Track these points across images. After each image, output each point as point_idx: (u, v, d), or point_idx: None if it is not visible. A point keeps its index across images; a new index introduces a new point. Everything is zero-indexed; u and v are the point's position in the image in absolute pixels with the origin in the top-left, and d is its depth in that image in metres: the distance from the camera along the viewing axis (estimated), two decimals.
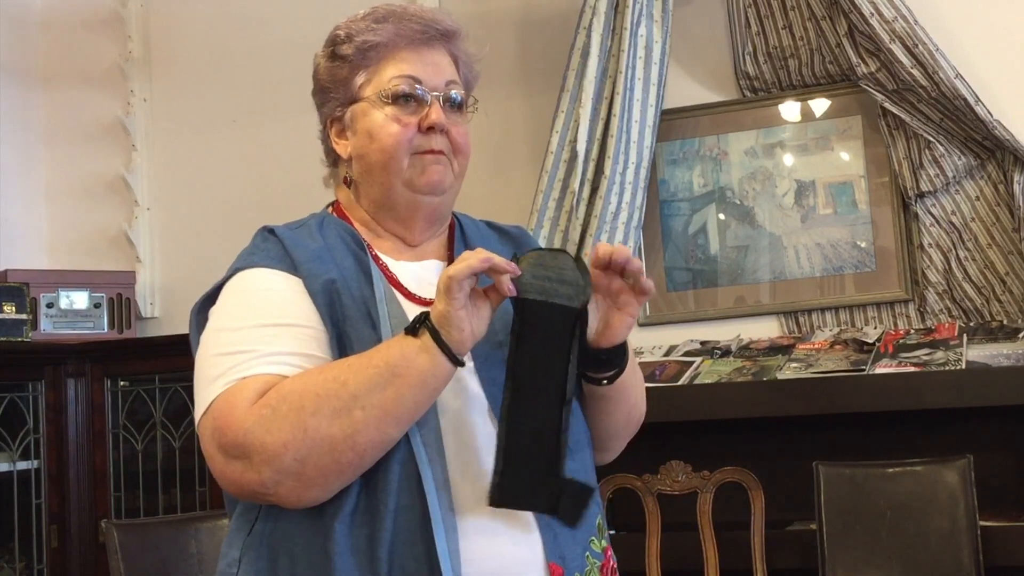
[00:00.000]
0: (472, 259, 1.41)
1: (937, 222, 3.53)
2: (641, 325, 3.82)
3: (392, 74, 1.62)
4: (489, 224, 1.76)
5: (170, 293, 4.43)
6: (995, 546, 2.86)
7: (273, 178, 4.26)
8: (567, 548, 1.50)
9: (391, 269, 1.62)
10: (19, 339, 3.93)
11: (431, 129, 1.60)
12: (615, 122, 3.60)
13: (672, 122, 3.81)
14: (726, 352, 3.50)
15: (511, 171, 4.01)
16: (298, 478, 1.41)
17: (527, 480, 1.45)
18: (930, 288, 3.52)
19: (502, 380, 1.47)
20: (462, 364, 1.44)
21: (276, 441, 1.40)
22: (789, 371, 3.23)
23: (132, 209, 4.47)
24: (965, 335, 3.28)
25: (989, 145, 3.45)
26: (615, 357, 1.55)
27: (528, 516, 1.49)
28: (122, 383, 3.99)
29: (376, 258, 1.61)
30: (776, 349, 3.46)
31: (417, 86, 1.61)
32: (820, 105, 3.72)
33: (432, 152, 1.60)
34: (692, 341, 3.64)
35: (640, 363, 3.44)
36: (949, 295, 3.51)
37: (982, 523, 2.86)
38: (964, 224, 3.50)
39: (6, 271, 4.08)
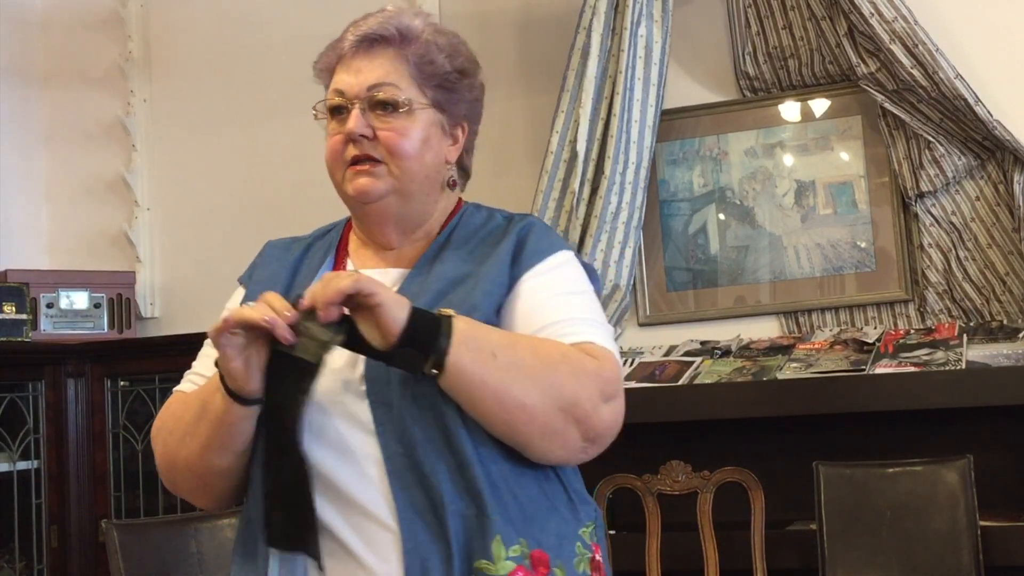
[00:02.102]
0: (229, 317, 1.46)
1: (937, 222, 3.53)
2: (641, 325, 3.82)
3: (330, 89, 1.67)
4: (501, 217, 1.72)
5: (170, 293, 4.43)
6: (995, 546, 2.86)
7: (273, 178, 4.26)
8: None
9: None
10: (19, 339, 3.93)
11: (356, 138, 1.62)
12: (615, 122, 3.60)
13: (672, 122, 3.81)
14: (726, 352, 3.50)
15: (511, 171, 4.01)
16: (177, 490, 1.66)
17: (285, 523, 1.50)
18: (930, 288, 3.52)
19: (391, 402, 1.51)
20: (252, 403, 1.50)
21: (157, 455, 1.65)
22: (789, 371, 3.23)
23: (132, 209, 4.47)
24: (965, 335, 3.28)
25: (989, 145, 3.45)
26: (411, 350, 1.46)
27: (390, 543, 1.50)
28: (122, 383, 3.99)
29: (340, 268, 1.68)
30: (776, 349, 3.46)
31: (340, 98, 1.64)
32: (820, 105, 3.72)
33: (357, 161, 1.63)
34: (692, 341, 3.64)
35: (640, 363, 3.48)
36: (949, 295, 3.51)
37: (982, 523, 2.86)
38: (964, 224, 3.50)
39: (6, 271, 4.08)
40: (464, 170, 1.76)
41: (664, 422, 3.31)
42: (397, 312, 1.43)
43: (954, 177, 3.48)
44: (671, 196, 3.84)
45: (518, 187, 3.91)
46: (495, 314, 1.59)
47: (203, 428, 1.55)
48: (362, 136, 1.62)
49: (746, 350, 3.50)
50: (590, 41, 3.61)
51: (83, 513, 3.91)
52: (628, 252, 3.70)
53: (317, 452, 1.53)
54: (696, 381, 3.31)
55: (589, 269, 1.72)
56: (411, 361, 1.47)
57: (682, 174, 3.84)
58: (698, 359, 3.46)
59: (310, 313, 1.45)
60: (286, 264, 1.71)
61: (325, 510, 1.52)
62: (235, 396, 1.51)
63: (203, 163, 4.43)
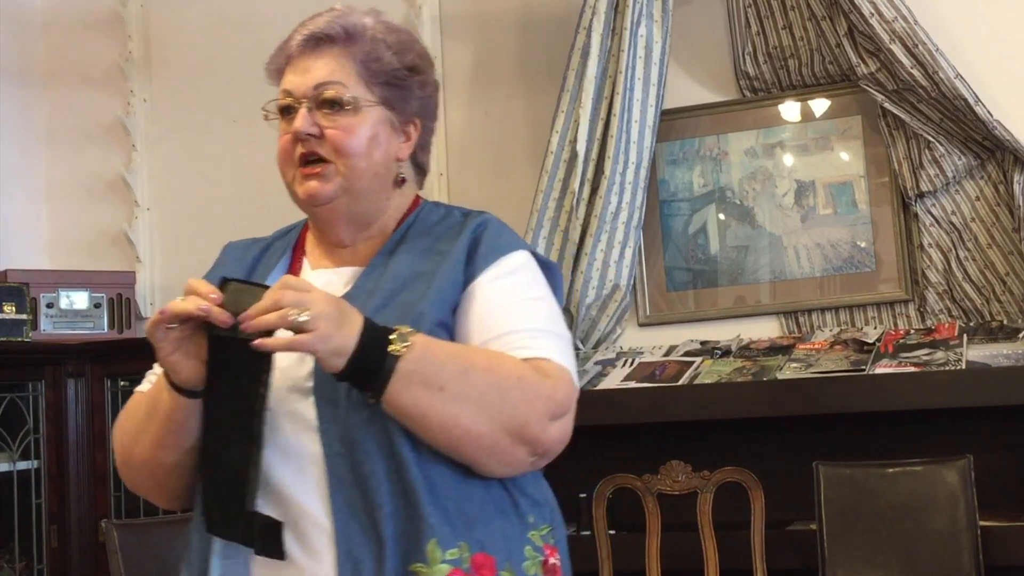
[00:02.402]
0: (164, 310, 1.48)
1: (937, 222, 3.53)
2: (641, 325, 3.82)
3: (280, 89, 1.68)
4: (459, 214, 1.72)
5: (170, 293, 4.43)
6: (995, 546, 2.86)
7: (273, 178, 4.24)
8: None
9: (303, 278, 1.65)
10: (19, 339, 3.93)
11: (303, 137, 1.63)
12: (615, 122, 3.60)
13: (672, 122, 3.81)
14: (726, 352, 3.50)
15: (511, 171, 4.01)
16: (136, 488, 1.67)
17: (225, 513, 1.50)
18: (930, 288, 3.52)
19: (337, 401, 1.51)
20: (199, 396, 1.51)
21: (115, 455, 1.66)
22: (789, 371, 3.23)
23: (132, 209, 4.47)
24: (965, 335, 3.28)
25: (989, 145, 3.44)
26: (353, 381, 1.47)
27: (325, 542, 1.50)
28: (122, 383, 3.99)
29: (295, 267, 1.69)
30: (776, 349, 3.45)
31: (289, 97, 1.65)
32: (820, 105, 3.72)
33: (305, 162, 1.64)
34: (692, 341, 3.64)
35: (640, 363, 3.47)
36: (949, 295, 3.51)
37: (982, 523, 2.86)
38: (964, 224, 3.50)
39: (6, 271, 4.08)
40: (420, 167, 1.75)
41: (664, 422, 3.31)
42: (333, 362, 1.43)
43: (954, 177, 3.48)
44: (671, 196, 3.84)
45: (518, 187, 3.92)
46: (450, 314, 1.59)
47: (153, 425, 1.57)
48: (309, 135, 1.62)
49: (746, 350, 3.50)
50: (590, 41, 3.61)
51: (83, 513, 3.91)
52: (628, 252, 3.70)
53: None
54: (696, 381, 3.31)
55: (548, 267, 1.70)
56: (359, 383, 1.48)
57: (682, 174, 3.84)
58: (698, 359, 3.46)
59: (237, 292, 1.45)
60: (243, 264, 1.72)
61: (262, 507, 1.52)
62: (180, 390, 1.51)
63: (203, 163, 4.43)
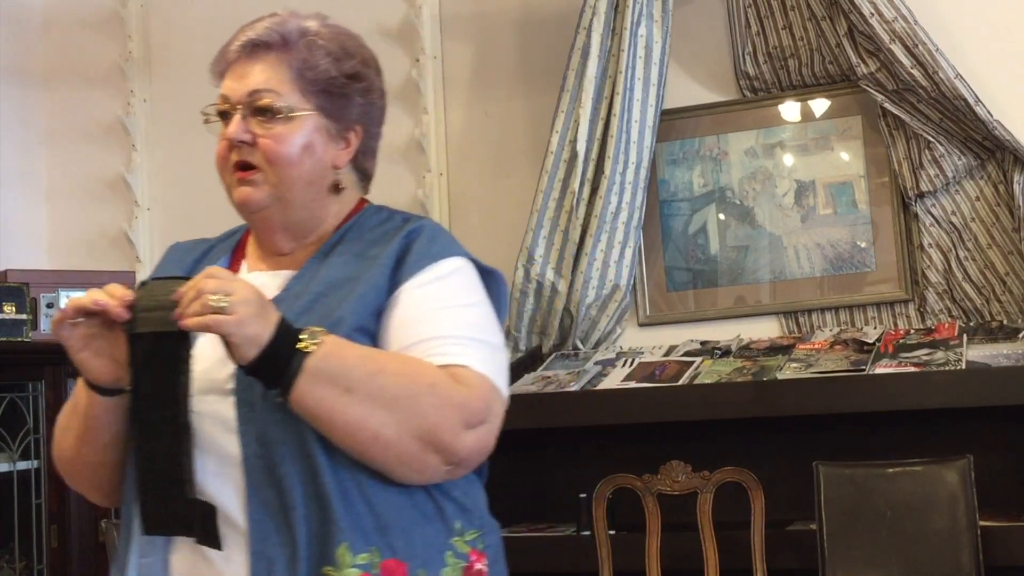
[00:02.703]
0: (65, 307, 1.51)
1: (937, 222, 3.53)
2: (641, 325, 3.82)
3: (219, 93, 1.68)
4: (400, 219, 1.71)
5: None
6: (995, 546, 2.86)
7: None
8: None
9: None
10: (19, 339, 3.93)
11: (235, 144, 1.63)
12: (615, 122, 3.60)
13: (672, 122, 3.81)
14: (726, 352, 3.50)
15: (511, 171, 4.01)
16: (72, 484, 1.69)
17: (163, 506, 1.51)
18: (930, 288, 3.52)
19: (255, 402, 1.52)
20: (114, 393, 1.53)
21: (53, 453, 1.67)
22: (789, 371, 3.23)
23: (132, 209, 4.47)
24: (965, 335, 3.28)
25: (989, 145, 3.44)
26: (261, 375, 1.48)
27: (240, 543, 1.51)
28: None
29: (233, 269, 1.70)
30: (776, 349, 3.45)
31: (226, 104, 1.65)
32: (820, 105, 3.72)
33: (238, 169, 1.65)
34: (692, 341, 3.64)
35: (640, 363, 3.47)
36: (949, 295, 3.51)
37: (982, 523, 2.86)
38: (964, 224, 3.50)
39: (6, 271, 4.08)
40: (363, 172, 1.75)
41: (664, 422, 3.31)
42: (247, 350, 1.44)
43: (954, 177, 3.48)
44: (671, 196, 3.84)
45: (518, 187, 3.92)
46: (374, 319, 1.58)
47: (75, 422, 1.60)
48: (242, 142, 1.63)
49: (746, 350, 3.50)
50: (590, 41, 3.61)
51: (83, 513, 3.90)
52: (628, 252, 3.70)
53: None
54: (696, 381, 3.31)
55: (490, 275, 1.69)
56: (267, 379, 1.49)
57: (682, 174, 3.84)
58: (698, 359, 3.46)
59: (152, 288, 1.48)
60: (184, 265, 1.73)
61: None
62: (94, 387, 1.54)
63: (203, 163, 4.41)
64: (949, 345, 3.21)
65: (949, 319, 3.48)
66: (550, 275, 3.69)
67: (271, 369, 1.46)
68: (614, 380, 3.39)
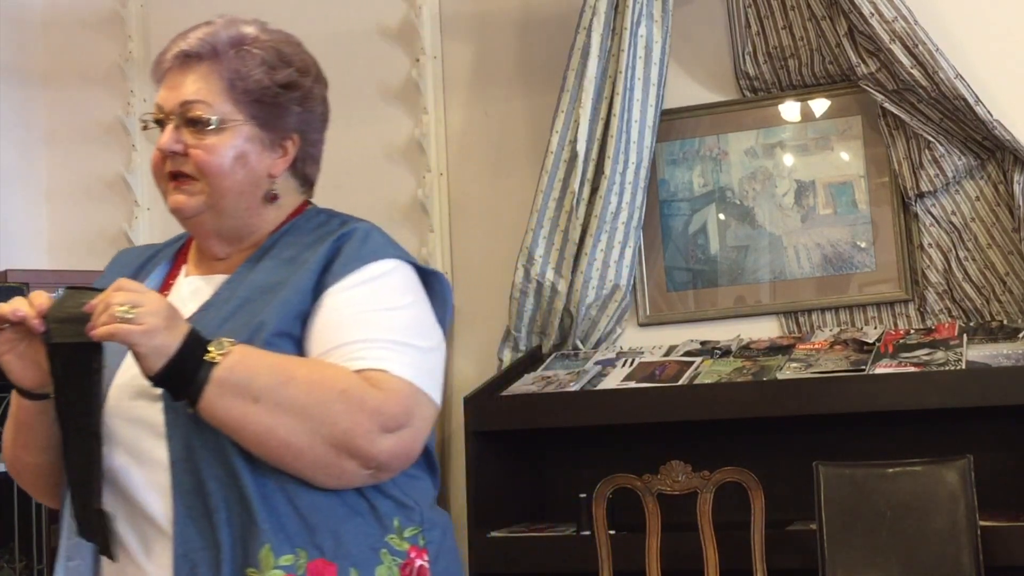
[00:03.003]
0: None
1: (937, 222, 3.53)
2: (641, 325, 3.82)
3: (155, 102, 1.70)
4: (338, 222, 1.72)
5: None
6: (995, 546, 2.86)
7: None
8: None
9: (175, 284, 1.72)
10: None
11: (168, 155, 1.65)
12: (615, 122, 3.60)
13: (672, 122, 3.81)
14: (726, 352, 3.50)
15: (511, 171, 4.01)
16: (21, 485, 1.72)
17: (85, 515, 1.54)
18: (930, 288, 3.52)
19: (180, 408, 1.54)
20: (40, 397, 1.56)
21: None
22: (789, 371, 3.23)
23: (132, 209, 4.47)
24: (965, 335, 3.28)
25: (989, 145, 3.44)
26: (168, 385, 1.50)
27: (166, 547, 1.53)
28: None
29: (173, 274, 1.73)
30: (776, 349, 3.45)
31: (160, 113, 1.67)
32: (820, 105, 3.72)
33: (172, 178, 1.66)
34: (692, 341, 3.64)
35: (640, 363, 3.47)
36: (949, 295, 3.51)
37: (982, 523, 2.86)
38: (964, 224, 3.50)
39: (6, 271, 4.08)
40: (304, 178, 1.75)
41: (664, 422, 3.31)
42: (153, 361, 1.46)
43: (954, 177, 3.48)
44: (671, 196, 3.84)
45: (518, 187, 3.92)
46: (298, 324, 1.59)
47: (10, 425, 1.64)
48: (174, 152, 1.64)
49: (746, 350, 3.50)
50: (590, 41, 3.61)
51: None
52: (628, 252, 3.70)
53: (112, 454, 1.57)
54: (696, 381, 3.31)
55: (433, 276, 1.70)
56: (175, 390, 1.51)
57: (682, 174, 3.84)
58: (698, 359, 3.45)
59: (64, 299, 1.49)
60: (128, 270, 1.76)
61: (117, 512, 1.57)
62: (20, 391, 1.57)
63: None
64: (949, 345, 3.21)
65: (949, 319, 3.48)
66: (550, 275, 3.69)
67: (178, 380, 1.48)
68: (614, 380, 3.39)
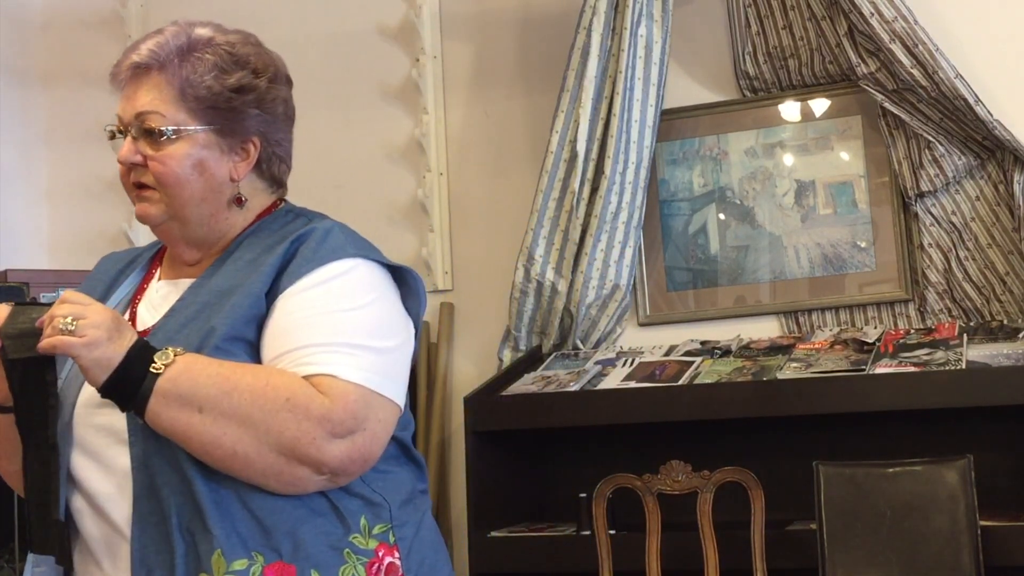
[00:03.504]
0: None
1: (937, 222, 3.53)
2: (641, 325, 3.82)
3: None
4: (303, 222, 1.71)
5: None
6: (995, 546, 2.86)
7: None
8: None
9: (148, 290, 1.73)
10: None
11: (128, 166, 1.66)
12: (615, 122, 3.60)
13: (672, 122, 3.81)
14: (726, 352, 3.50)
15: (511, 171, 4.01)
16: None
17: (42, 528, 1.56)
18: (930, 288, 3.52)
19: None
20: (6, 411, 1.56)
21: None
22: (789, 371, 3.23)
23: (132, 209, 4.46)
24: (965, 335, 3.28)
25: (989, 145, 3.44)
26: (114, 396, 1.51)
27: (126, 552, 1.55)
28: None
29: (147, 279, 1.75)
30: (776, 349, 3.45)
31: (119, 123, 1.68)
32: (820, 105, 3.71)
33: (136, 187, 1.68)
34: (692, 341, 3.64)
35: (640, 363, 3.47)
36: (949, 295, 3.51)
37: (982, 523, 2.86)
38: (964, 224, 3.50)
39: (6, 271, 4.08)
40: (272, 179, 1.74)
41: (664, 422, 3.31)
42: (96, 373, 1.49)
43: (954, 177, 3.48)
44: (671, 196, 3.84)
45: (518, 187, 3.92)
46: (252, 328, 1.58)
47: None
48: (134, 164, 1.65)
49: (746, 350, 3.50)
50: (590, 41, 3.61)
51: None
52: (628, 252, 3.70)
53: (77, 461, 1.59)
54: (696, 381, 3.31)
55: (401, 272, 1.68)
56: (118, 400, 1.53)
57: (682, 174, 3.84)
58: (698, 359, 3.45)
59: (15, 314, 1.51)
60: (107, 277, 1.78)
61: (82, 518, 1.60)
62: None
63: None
64: (949, 345, 3.21)
65: (949, 319, 3.48)
66: (550, 275, 3.69)
67: (123, 391, 1.49)
68: (614, 380, 3.39)
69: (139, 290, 1.75)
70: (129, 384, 1.49)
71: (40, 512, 1.56)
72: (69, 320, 1.46)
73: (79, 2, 4.62)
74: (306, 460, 1.52)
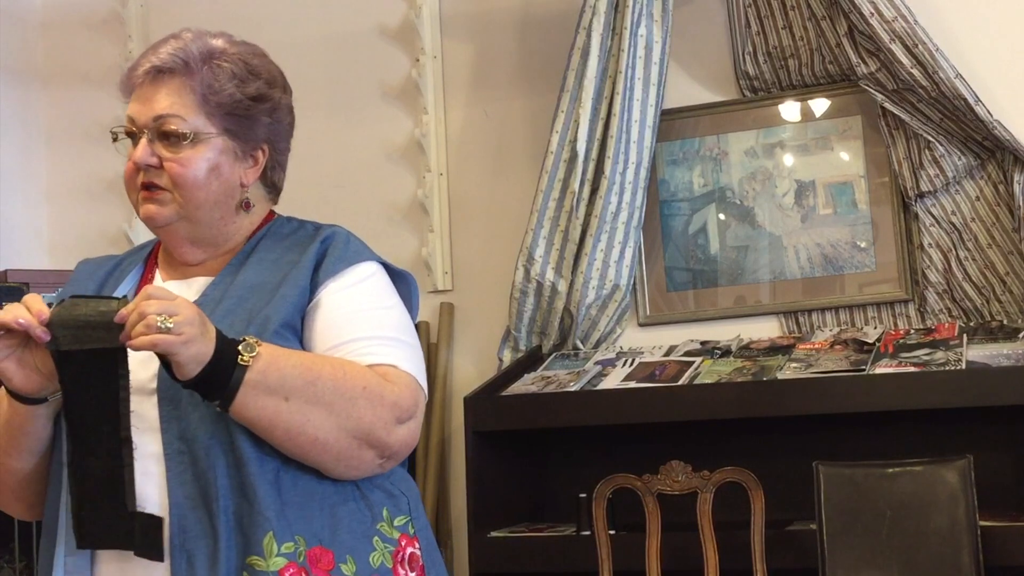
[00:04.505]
0: None
1: (937, 222, 3.53)
2: (641, 325, 3.82)
3: (126, 114, 1.75)
4: (311, 227, 1.77)
5: None
6: (995, 546, 2.86)
7: None
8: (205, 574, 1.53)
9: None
10: None
11: (143, 168, 1.69)
12: (615, 122, 3.60)
13: (672, 122, 3.81)
14: (726, 352, 3.50)
15: (511, 171, 4.01)
16: None
17: (101, 520, 1.54)
18: (930, 288, 3.52)
19: (179, 399, 1.57)
20: (37, 402, 1.57)
21: None
22: (789, 371, 3.23)
23: (132, 209, 4.47)
24: (965, 335, 3.28)
25: (989, 145, 3.44)
26: (202, 389, 1.52)
27: (163, 539, 1.55)
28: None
29: (146, 278, 1.77)
30: (776, 349, 3.45)
31: (133, 126, 1.72)
32: (820, 105, 3.72)
33: (144, 189, 1.71)
34: (692, 341, 3.64)
35: (640, 363, 3.47)
36: (949, 295, 3.51)
37: (982, 523, 2.86)
38: (964, 224, 3.50)
39: (6, 271, 4.08)
40: (272, 186, 1.80)
41: (664, 422, 3.31)
42: (191, 368, 1.49)
43: (954, 177, 3.48)
44: (671, 196, 3.84)
45: (518, 187, 3.92)
46: (298, 317, 1.64)
47: (1, 432, 1.64)
48: (149, 166, 1.69)
49: (746, 350, 3.50)
50: (590, 41, 3.61)
51: None
52: (628, 252, 3.70)
53: None
54: (696, 381, 3.31)
55: (401, 276, 1.77)
56: (210, 393, 1.53)
57: (682, 174, 3.84)
58: (698, 359, 3.46)
59: (72, 306, 1.51)
60: (96, 279, 1.81)
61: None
62: (16, 396, 1.58)
63: None
64: (949, 345, 3.21)
65: (949, 319, 3.48)
66: (550, 275, 3.69)
67: (213, 383, 1.51)
68: (614, 380, 3.39)
69: (139, 289, 1.75)
70: (219, 377, 1.51)
71: (106, 506, 1.54)
72: (164, 317, 1.46)
73: (79, 2, 4.62)
74: (375, 443, 1.60)
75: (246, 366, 1.52)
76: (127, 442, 1.54)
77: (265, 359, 1.53)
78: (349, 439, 1.58)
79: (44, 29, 4.66)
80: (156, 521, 1.55)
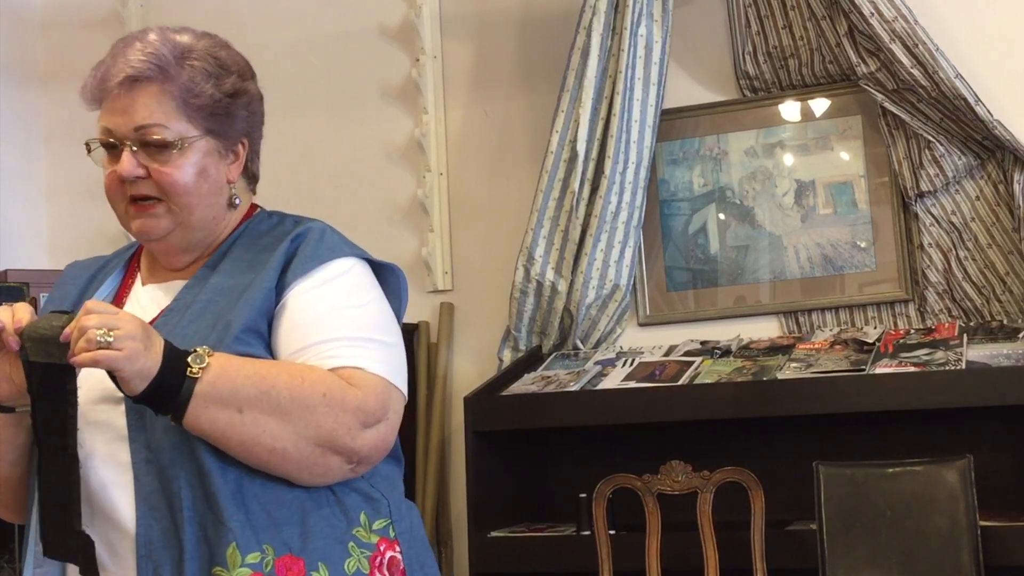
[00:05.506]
0: None
1: (937, 222, 3.52)
2: (641, 325, 3.82)
3: (99, 124, 1.68)
4: (291, 222, 1.73)
5: None
6: (995, 546, 2.86)
7: (272, 177, 4.24)
8: None
9: (132, 293, 1.72)
10: None
11: (130, 180, 1.64)
12: (615, 122, 3.60)
13: (672, 122, 3.81)
14: (726, 352, 3.50)
15: (511, 171, 4.01)
16: None
17: (58, 533, 1.53)
18: (930, 288, 3.52)
19: (144, 410, 1.54)
20: (7, 410, 1.56)
21: None
22: (789, 371, 3.23)
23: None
24: (965, 335, 3.28)
25: (989, 145, 3.44)
26: (152, 403, 1.50)
27: (129, 548, 1.54)
28: None
29: (127, 283, 1.74)
30: (776, 349, 3.45)
31: (110, 137, 1.65)
32: (820, 105, 3.71)
33: (135, 201, 1.65)
34: (692, 341, 3.64)
35: (640, 363, 3.47)
36: (949, 295, 3.51)
37: (982, 523, 2.86)
38: (964, 224, 3.50)
39: (6, 271, 4.08)
40: (251, 176, 1.78)
41: (664, 422, 3.31)
42: (136, 384, 1.46)
43: (954, 177, 3.48)
44: (671, 196, 3.84)
45: (518, 187, 3.92)
46: (264, 321, 1.60)
47: None
48: (136, 177, 1.64)
49: (746, 350, 3.49)
50: (590, 41, 3.61)
51: None
52: (628, 252, 3.70)
53: None
54: (696, 381, 3.31)
55: (390, 270, 1.72)
56: (156, 407, 1.51)
57: (682, 174, 3.84)
58: (698, 359, 3.45)
59: (38, 320, 1.49)
60: (79, 283, 1.76)
61: (85, 518, 1.57)
62: None
63: None
64: (949, 345, 3.21)
65: (949, 319, 3.48)
66: (550, 275, 3.69)
67: (162, 397, 1.48)
68: (614, 380, 3.39)
69: (120, 293, 1.74)
70: (167, 391, 1.48)
71: (59, 520, 1.53)
72: (104, 332, 1.43)
73: (79, 2, 4.62)
74: (341, 450, 1.56)
75: (195, 378, 1.48)
76: (73, 459, 1.52)
77: (215, 370, 1.49)
78: (311, 447, 1.53)
79: (44, 29, 4.66)
80: (91, 542, 1.54)
